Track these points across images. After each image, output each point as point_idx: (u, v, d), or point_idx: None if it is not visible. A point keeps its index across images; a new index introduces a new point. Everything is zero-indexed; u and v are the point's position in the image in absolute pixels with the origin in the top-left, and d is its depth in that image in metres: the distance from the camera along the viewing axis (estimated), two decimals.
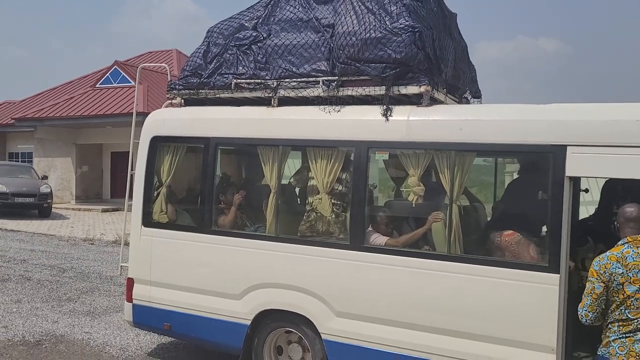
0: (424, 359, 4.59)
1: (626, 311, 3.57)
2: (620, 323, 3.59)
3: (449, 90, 5.68)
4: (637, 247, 3.58)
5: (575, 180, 4.33)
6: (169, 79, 6.20)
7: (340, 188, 5.11)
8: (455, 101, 5.83)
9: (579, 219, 6.02)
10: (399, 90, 4.94)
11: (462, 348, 4.48)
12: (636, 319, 3.54)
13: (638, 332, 3.53)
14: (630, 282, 3.54)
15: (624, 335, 3.58)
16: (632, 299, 3.54)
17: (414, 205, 4.87)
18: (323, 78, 5.21)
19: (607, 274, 3.60)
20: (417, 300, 4.63)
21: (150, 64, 23.54)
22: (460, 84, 5.91)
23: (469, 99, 6.25)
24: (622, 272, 3.56)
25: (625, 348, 3.57)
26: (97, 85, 22.24)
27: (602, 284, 3.62)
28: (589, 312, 3.68)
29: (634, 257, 3.56)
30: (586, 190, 6.16)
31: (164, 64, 7.31)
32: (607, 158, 4.10)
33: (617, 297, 3.59)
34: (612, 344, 3.62)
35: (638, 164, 4.00)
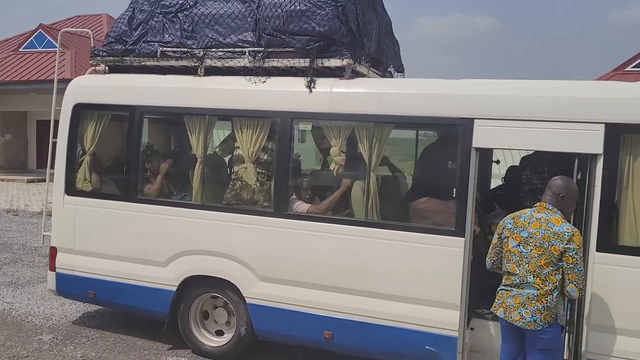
0: (343, 319, 4.87)
1: (507, 264, 3.93)
2: (505, 275, 3.96)
3: (373, 64, 5.88)
4: (539, 212, 3.88)
5: (483, 151, 4.64)
6: (92, 45, 6.05)
7: (265, 157, 5.24)
8: (379, 75, 6.04)
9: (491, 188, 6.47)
10: (322, 63, 5.08)
11: (378, 308, 4.77)
12: (514, 274, 3.85)
13: (514, 288, 3.86)
14: (513, 238, 3.89)
15: (503, 287, 3.96)
16: (511, 254, 3.89)
17: (335, 174, 5.09)
18: (249, 49, 5.28)
19: (502, 227, 4.00)
20: (336, 264, 4.88)
21: (74, 29, 22.43)
22: (384, 59, 6.12)
23: (392, 73, 6.49)
24: (511, 228, 3.93)
25: (501, 298, 3.95)
26: (20, 50, 21.02)
27: (497, 236, 4.03)
28: (488, 258, 4.14)
29: (526, 218, 3.89)
30: (497, 162, 6.59)
31: (87, 29, 7.05)
32: (510, 131, 4.43)
33: (503, 249, 3.97)
34: (497, 293, 4.01)
35: (537, 136, 4.36)
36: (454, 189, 4.59)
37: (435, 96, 4.70)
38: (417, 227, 4.72)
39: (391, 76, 6.47)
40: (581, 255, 3.72)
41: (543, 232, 3.75)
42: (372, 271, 4.78)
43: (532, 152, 5.57)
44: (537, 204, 3.97)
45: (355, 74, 5.22)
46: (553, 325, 3.74)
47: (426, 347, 4.64)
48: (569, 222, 3.87)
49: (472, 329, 5.04)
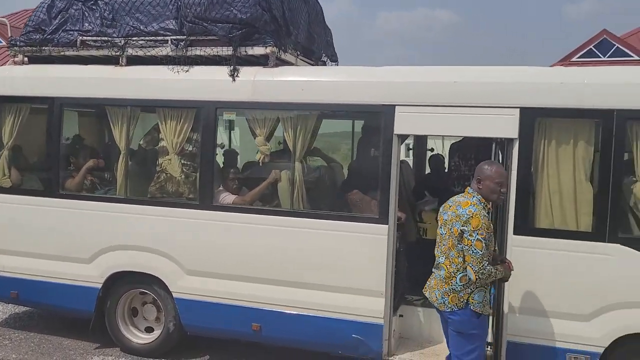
0: (271, 310, 4.81)
1: (437, 250, 3.92)
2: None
3: (304, 53, 5.82)
4: (463, 196, 3.85)
5: (406, 138, 4.65)
6: (9, 35, 5.79)
7: (189, 148, 5.11)
8: (311, 64, 5.98)
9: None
10: (246, 51, 4.99)
11: (305, 298, 4.73)
12: (436, 256, 3.88)
13: (434, 270, 3.89)
14: (439, 220, 3.88)
15: (433, 268, 3.95)
16: (437, 236, 3.90)
17: (261, 165, 5.01)
18: (171, 37, 5.13)
19: (438, 213, 3.97)
20: (262, 255, 4.81)
21: None
22: (315, 47, 6.06)
23: (326, 62, 6.44)
24: (440, 211, 3.92)
25: (430, 280, 3.94)
26: None
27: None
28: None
29: (451, 201, 3.86)
30: (432, 150, 6.65)
31: (3, 19, 6.75)
32: (430, 116, 4.44)
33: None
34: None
35: (456, 122, 4.38)
36: (377, 176, 4.58)
37: (357, 83, 4.67)
38: (342, 216, 4.69)
39: (324, 65, 6.42)
40: (479, 238, 3.59)
41: (452, 214, 3.76)
42: (299, 261, 4.73)
43: (460, 139, 5.62)
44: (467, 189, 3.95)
45: (282, 63, 5.15)
46: (463, 309, 3.70)
47: (353, 335, 4.62)
48: (486, 208, 3.82)
49: (401, 315, 5.06)
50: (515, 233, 4.25)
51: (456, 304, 3.72)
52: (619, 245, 4.03)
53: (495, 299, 4.41)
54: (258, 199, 5.03)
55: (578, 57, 19.59)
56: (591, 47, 20.18)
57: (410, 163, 6.86)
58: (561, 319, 4.18)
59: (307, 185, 4.84)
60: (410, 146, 6.74)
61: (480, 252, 3.60)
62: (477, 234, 3.60)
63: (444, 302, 3.76)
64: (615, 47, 20.44)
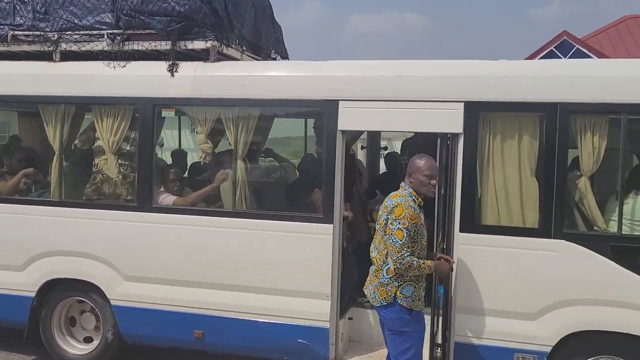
0: (214, 316, 4.59)
1: (372, 245, 3.84)
2: None
3: (252, 49, 5.65)
4: (400, 190, 3.75)
5: (350, 134, 4.50)
6: None
7: (127, 148, 4.87)
8: (259, 60, 5.80)
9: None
10: (185, 45, 4.78)
11: (249, 302, 4.53)
12: (374, 249, 3.78)
13: (371, 265, 3.81)
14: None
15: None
16: (375, 233, 3.82)
17: (202, 164, 4.80)
18: (107, 31, 4.90)
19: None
20: (203, 258, 4.60)
21: None
22: (263, 43, 5.88)
23: (276, 59, 6.27)
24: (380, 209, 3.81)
25: (370, 273, 3.83)
26: None
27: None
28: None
29: (387, 199, 3.76)
30: (385, 148, 6.53)
31: None
32: (374, 112, 4.31)
33: None
34: None
35: (401, 117, 4.26)
36: (321, 174, 4.42)
37: (299, 78, 4.51)
38: (285, 216, 4.51)
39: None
40: (399, 227, 3.53)
41: (382, 208, 3.72)
42: (242, 264, 4.53)
43: (411, 135, 5.51)
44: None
45: (226, 58, 4.96)
46: (392, 304, 3.62)
47: (298, 340, 4.44)
48: (417, 201, 3.70)
49: (350, 318, 4.90)
50: (461, 231, 4.14)
51: (385, 297, 3.64)
52: (564, 241, 3.94)
53: (444, 299, 4.28)
54: (201, 200, 4.82)
55: (540, 58, 19.84)
56: (552, 48, 20.43)
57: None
58: (508, 318, 4.08)
59: (250, 184, 4.65)
60: (364, 144, 6.60)
61: (400, 242, 3.54)
62: (399, 222, 3.55)
63: (374, 297, 3.70)
64: (575, 48, 20.74)
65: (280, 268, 4.47)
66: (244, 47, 5.43)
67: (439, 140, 4.22)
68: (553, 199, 3.97)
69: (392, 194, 3.78)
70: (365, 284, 3.86)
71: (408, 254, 3.55)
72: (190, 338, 4.66)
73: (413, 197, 3.69)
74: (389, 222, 3.59)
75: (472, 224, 4.14)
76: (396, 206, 3.60)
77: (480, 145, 4.13)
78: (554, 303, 3.97)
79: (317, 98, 4.40)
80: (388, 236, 3.59)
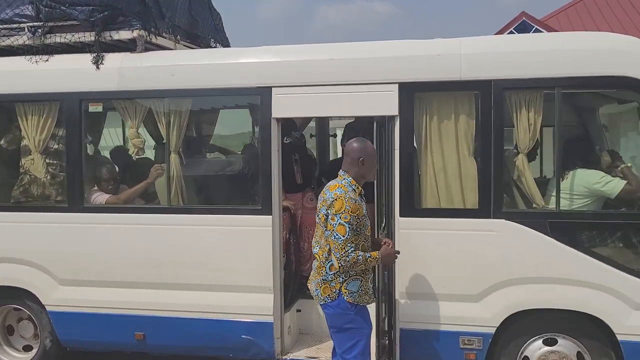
0: (155, 317, 4.42)
1: (313, 239, 3.61)
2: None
3: (188, 37, 5.44)
4: (335, 180, 3.53)
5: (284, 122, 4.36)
6: None
7: (54, 146, 4.63)
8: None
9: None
10: (111, 36, 4.56)
11: (190, 300, 4.37)
12: (315, 244, 3.55)
13: (313, 261, 3.61)
14: (317, 209, 3.55)
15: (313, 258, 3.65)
16: (316, 226, 3.58)
17: (134, 159, 4.61)
18: (28, 24, 4.64)
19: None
20: (140, 257, 4.41)
21: None
22: (200, 32, 5.67)
23: (216, 47, 6.06)
24: (319, 199, 3.56)
25: (312, 269, 3.64)
26: None
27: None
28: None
29: (326, 191, 3.54)
30: (334, 136, 6.40)
31: None
32: (308, 97, 4.17)
33: None
34: None
35: (335, 102, 4.13)
36: (258, 164, 4.27)
37: (230, 66, 4.34)
38: (223, 209, 4.37)
39: None
40: (341, 222, 3.29)
41: (321, 200, 3.48)
42: (180, 261, 4.36)
43: (352, 120, 5.39)
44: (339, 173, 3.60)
45: (158, 48, 4.75)
46: (336, 301, 3.41)
47: (242, 336, 4.31)
48: (358, 190, 3.46)
49: (299, 310, 4.79)
50: (401, 215, 4.04)
51: (329, 295, 3.43)
52: (504, 220, 3.88)
53: (387, 286, 4.19)
54: (136, 197, 4.62)
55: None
56: (511, 29, 20.59)
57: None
58: (452, 301, 4.01)
59: (186, 179, 4.48)
60: (313, 132, 6.45)
61: (343, 238, 3.30)
62: (340, 217, 3.31)
63: (317, 294, 3.49)
64: (534, 28, 20.94)
65: (220, 263, 4.32)
66: (179, 37, 5.23)
67: (375, 124, 4.11)
68: (491, 179, 3.90)
69: (330, 184, 3.52)
70: (309, 278, 3.66)
71: (352, 249, 3.33)
72: (131, 341, 4.48)
73: (353, 187, 3.44)
74: (330, 217, 3.35)
75: (412, 207, 4.04)
76: (336, 199, 3.35)
77: (416, 127, 4.04)
78: (496, 283, 3.91)
79: (249, 86, 4.24)
80: (330, 232, 3.35)
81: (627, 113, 4.76)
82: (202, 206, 4.46)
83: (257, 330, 4.28)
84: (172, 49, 4.97)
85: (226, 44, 6.23)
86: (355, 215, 3.35)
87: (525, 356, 3.97)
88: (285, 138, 4.90)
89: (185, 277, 4.37)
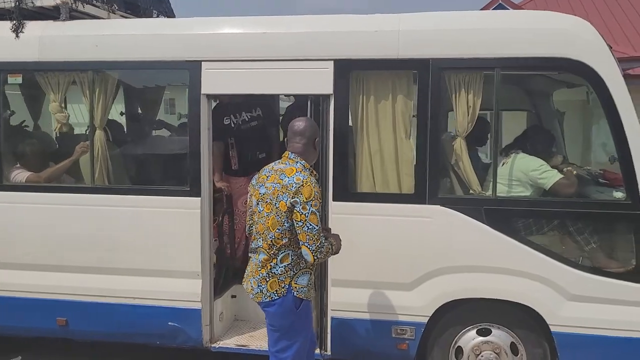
0: (78, 301, 4.19)
1: (252, 227, 3.33)
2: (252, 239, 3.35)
3: (129, 8, 5.13)
4: (281, 162, 3.25)
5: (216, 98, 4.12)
6: None
7: None
8: None
9: None
10: (32, 2, 4.25)
11: (115, 285, 4.15)
12: (258, 237, 3.22)
13: (252, 254, 3.32)
14: (254, 195, 3.28)
15: (250, 253, 3.38)
16: (253, 214, 3.29)
17: (58, 134, 4.34)
18: None
19: (250, 184, 3.36)
20: (63, 239, 4.18)
21: None
22: (140, 2, 5.36)
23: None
24: (254, 184, 3.30)
25: (247, 267, 3.37)
26: None
27: (250, 196, 3.34)
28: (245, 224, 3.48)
29: (267, 171, 3.26)
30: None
31: None
32: (240, 73, 3.93)
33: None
34: None
35: (268, 78, 3.90)
36: (186, 143, 4.04)
37: (158, 37, 4.07)
38: (149, 190, 4.13)
39: None
40: (314, 210, 3.02)
41: (274, 186, 3.12)
42: (105, 244, 4.13)
43: (293, 100, 5.16)
44: (284, 155, 3.30)
45: (88, 17, 4.45)
46: (283, 297, 3.12)
47: (169, 323, 4.12)
48: (313, 174, 3.19)
49: (234, 296, 4.61)
50: (334, 199, 3.86)
51: (276, 290, 3.12)
52: (439, 206, 3.72)
53: (319, 273, 4.02)
54: (59, 175, 4.36)
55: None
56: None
57: None
58: (386, 289, 3.86)
59: (111, 157, 4.23)
60: None
61: (317, 228, 3.02)
62: (311, 205, 3.01)
63: (260, 291, 3.16)
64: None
65: (146, 247, 4.10)
66: (115, 6, 4.92)
67: (309, 103, 3.90)
68: (427, 163, 3.73)
69: (280, 167, 3.16)
70: (245, 276, 3.32)
71: (324, 239, 3.10)
72: (53, 326, 4.25)
73: (309, 170, 3.17)
74: (299, 206, 3.01)
75: (346, 192, 3.86)
76: (302, 185, 3.02)
77: (352, 107, 3.84)
78: (429, 272, 3.77)
79: (177, 59, 3.98)
80: (301, 223, 3.02)
81: (577, 97, 4.62)
82: (127, 186, 4.22)
83: (185, 317, 4.09)
84: (104, 19, 4.69)
85: (171, 16, 5.94)
86: (320, 202, 3.09)
87: (459, 346, 3.85)
88: (225, 118, 4.66)
89: (109, 260, 4.14)
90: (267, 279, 3.15)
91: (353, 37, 3.80)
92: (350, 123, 3.86)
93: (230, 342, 4.24)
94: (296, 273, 3.16)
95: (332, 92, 3.79)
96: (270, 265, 3.15)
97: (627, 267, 3.60)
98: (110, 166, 4.21)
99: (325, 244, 3.10)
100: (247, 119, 4.63)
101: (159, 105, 4.92)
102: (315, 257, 3.05)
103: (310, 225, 3.03)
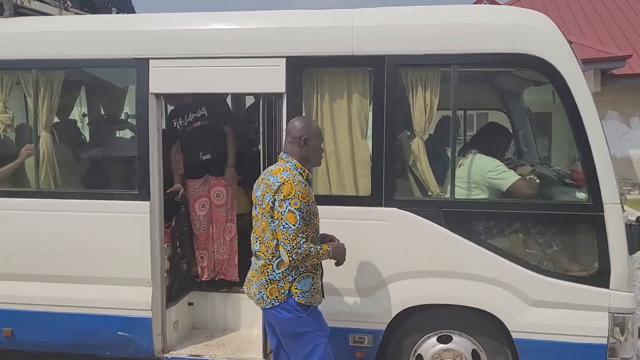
0: (23, 311, 4.00)
1: (253, 235, 3.17)
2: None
3: (86, 5, 4.97)
4: (276, 164, 3.13)
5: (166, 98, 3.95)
6: None
7: None
8: None
9: None
10: None
11: (63, 294, 3.97)
12: (256, 240, 3.12)
13: (253, 258, 3.16)
14: (254, 199, 3.14)
15: (252, 258, 3.19)
16: (253, 218, 3.14)
17: (2, 137, 4.15)
18: None
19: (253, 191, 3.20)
20: (7, 246, 3.99)
21: None
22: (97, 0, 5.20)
23: None
24: (254, 187, 3.16)
25: (249, 272, 3.20)
26: None
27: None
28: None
29: (263, 173, 3.14)
30: None
31: None
32: (190, 71, 3.76)
33: None
34: None
35: (218, 77, 3.74)
36: (133, 145, 3.87)
37: (105, 34, 3.89)
38: (97, 194, 3.96)
39: None
40: (291, 208, 2.88)
41: (263, 187, 3.03)
42: (51, 251, 3.95)
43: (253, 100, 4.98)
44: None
45: (38, 14, 4.28)
46: (284, 303, 2.98)
47: (119, 332, 3.94)
48: (304, 174, 3.05)
49: (191, 304, 4.45)
50: None
51: (276, 297, 2.99)
52: (396, 209, 3.57)
53: None
54: (4, 179, 4.16)
55: None
56: None
57: None
58: (342, 295, 3.71)
59: (58, 160, 4.04)
60: None
61: (294, 227, 2.88)
62: (289, 203, 2.89)
63: (262, 297, 3.04)
64: None
65: (95, 253, 3.92)
66: (68, 3, 4.75)
67: (261, 102, 3.74)
68: (384, 164, 3.58)
69: (271, 168, 3.11)
70: (247, 281, 3.19)
71: (304, 240, 2.92)
72: None
73: (299, 170, 3.04)
74: (277, 203, 2.92)
75: None
76: (283, 183, 2.92)
77: (306, 106, 3.69)
78: (387, 277, 3.61)
79: (124, 57, 3.81)
80: (278, 222, 2.92)
81: (543, 95, 4.49)
82: (74, 190, 4.04)
83: (135, 327, 3.92)
84: (53, 16, 4.50)
85: (131, 13, 5.77)
86: (305, 201, 2.93)
87: (419, 354, 3.70)
88: (174, 121, 4.46)
89: (56, 268, 3.96)
90: (267, 286, 3.03)
91: (306, 33, 3.65)
92: None
93: (184, 352, 4.06)
94: (295, 278, 3.01)
95: (284, 91, 3.64)
96: (268, 272, 3.03)
97: (590, 271, 3.47)
98: (57, 169, 4.03)
99: (305, 246, 2.91)
100: (192, 120, 4.39)
101: (114, 105, 4.72)
102: (290, 258, 2.90)
103: (287, 224, 2.89)
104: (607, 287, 3.40)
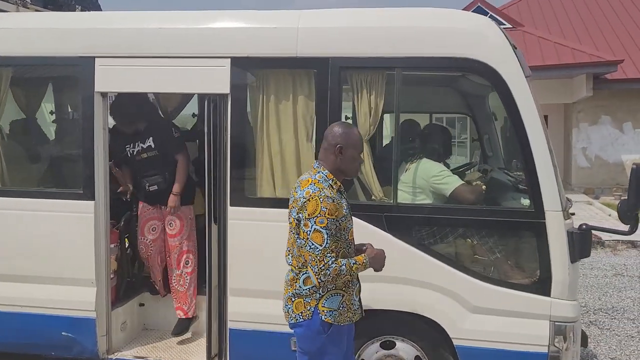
0: None
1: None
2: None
3: (50, 3, 4.94)
4: (308, 172, 2.93)
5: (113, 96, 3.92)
6: None
7: None
8: None
9: None
10: None
11: (6, 293, 3.95)
12: (288, 253, 2.97)
13: (289, 270, 3.01)
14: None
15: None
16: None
17: None
18: None
19: None
20: None
21: None
22: None
23: None
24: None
25: (284, 280, 3.04)
26: None
27: None
28: None
29: (298, 181, 2.91)
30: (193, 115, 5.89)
31: None
32: (134, 70, 3.74)
33: None
34: None
35: (163, 76, 3.70)
36: (79, 145, 3.83)
37: (49, 31, 3.87)
38: (40, 193, 3.93)
39: None
40: (317, 227, 2.67)
41: (291, 200, 2.87)
42: None
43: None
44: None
45: None
46: (310, 320, 2.82)
47: (63, 333, 3.91)
48: (336, 186, 2.83)
49: (142, 305, 4.42)
50: (232, 204, 3.66)
51: (302, 312, 2.84)
52: None
53: (219, 282, 3.83)
54: None
55: None
56: None
57: None
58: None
59: (5, 158, 4.02)
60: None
61: (320, 247, 2.68)
62: (315, 222, 2.68)
63: (287, 311, 2.92)
64: (489, 15, 20.69)
65: (39, 252, 3.90)
66: (27, 0, 4.72)
67: (206, 103, 3.71)
68: None
69: (302, 178, 2.88)
70: (283, 292, 3.02)
71: (333, 259, 2.71)
72: None
73: (329, 182, 2.81)
74: (302, 222, 2.74)
75: (244, 196, 3.67)
76: (308, 200, 2.71)
77: (251, 108, 3.66)
78: None
79: (69, 54, 3.78)
80: (304, 241, 2.74)
81: (496, 99, 4.46)
82: (16, 188, 4.01)
83: (79, 327, 3.89)
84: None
85: (97, 10, 5.74)
86: (333, 217, 2.73)
87: (362, 359, 3.67)
88: (127, 146, 4.27)
89: (1, 267, 3.94)
90: (293, 299, 2.90)
91: (251, 34, 3.62)
92: (249, 124, 3.68)
93: (129, 354, 4.03)
94: (323, 295, 2.84)
95: (228, 92, 3.60)
96: (296, 286, 2.90)
97: (532, 279, 3.44)
98: (3, 166, 4.00)
99: (334, 266, 2.70)
100: (139, 150, 4.21)
101: (60, 103, 4.67)
102: (319, 280, 2.73)
103: (313, 244, 2.70)
104: (549, 295, 3.36)
